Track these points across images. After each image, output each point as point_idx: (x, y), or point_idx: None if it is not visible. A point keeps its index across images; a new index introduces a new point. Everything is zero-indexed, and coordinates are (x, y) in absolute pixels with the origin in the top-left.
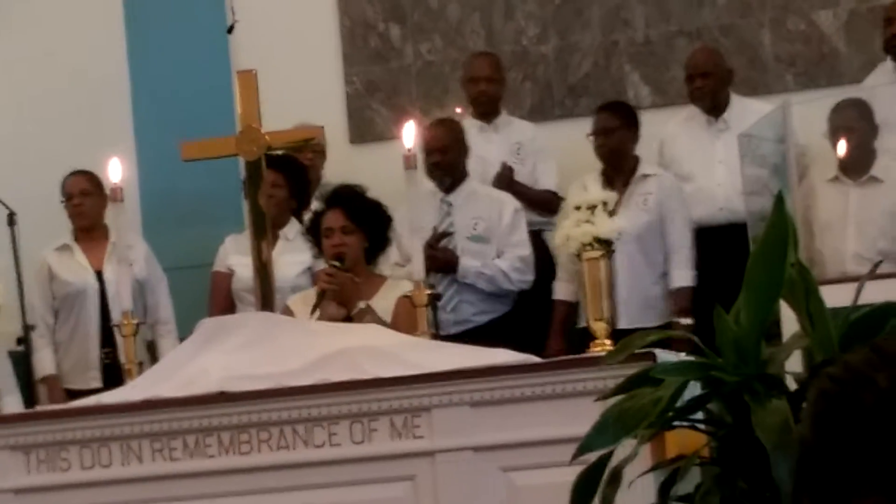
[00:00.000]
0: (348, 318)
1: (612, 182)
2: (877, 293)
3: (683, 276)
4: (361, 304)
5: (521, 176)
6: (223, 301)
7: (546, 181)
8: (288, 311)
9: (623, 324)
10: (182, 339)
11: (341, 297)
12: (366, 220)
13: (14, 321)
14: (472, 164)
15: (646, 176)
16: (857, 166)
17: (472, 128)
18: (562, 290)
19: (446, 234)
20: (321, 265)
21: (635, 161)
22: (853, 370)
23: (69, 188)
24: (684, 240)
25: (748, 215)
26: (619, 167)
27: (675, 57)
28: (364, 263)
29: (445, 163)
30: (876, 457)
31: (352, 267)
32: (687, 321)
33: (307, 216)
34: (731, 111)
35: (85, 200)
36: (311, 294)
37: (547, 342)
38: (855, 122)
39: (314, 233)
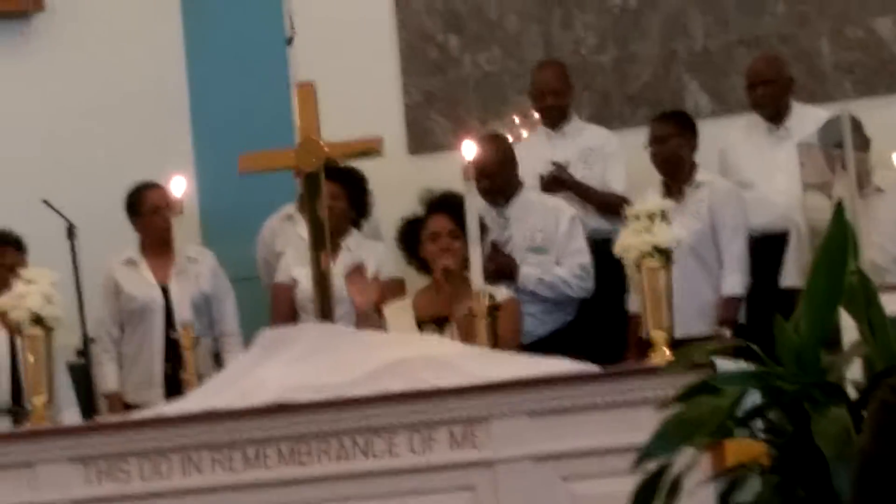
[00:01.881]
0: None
1: (671, 192)
2: None
3: (732, 284)
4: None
5: (588, 181)
6: (286, 312)
7: (614, 185)
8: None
9: (677, 332)
10: None
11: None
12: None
13: (74, 334)
14: (540, 170)
15: (700, 184)
16: (858, 180)
17: (542, 136)
18: (634, 302)
19: (498, 246)
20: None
21: (693, 169)
22: None
23: (155, 201)
24: (736, 248)
25: (806, 223)
26: (674, 175)
27: (733, 66)
28: (463, 270)
29: (494, 187)
30: None
31: (456, 274)
32: (726, 332)
33: (398, 224)
34: (792, 119)
35: (166, 213)
36: (406, 303)
37: (626, 354)
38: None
39: (409, 239)
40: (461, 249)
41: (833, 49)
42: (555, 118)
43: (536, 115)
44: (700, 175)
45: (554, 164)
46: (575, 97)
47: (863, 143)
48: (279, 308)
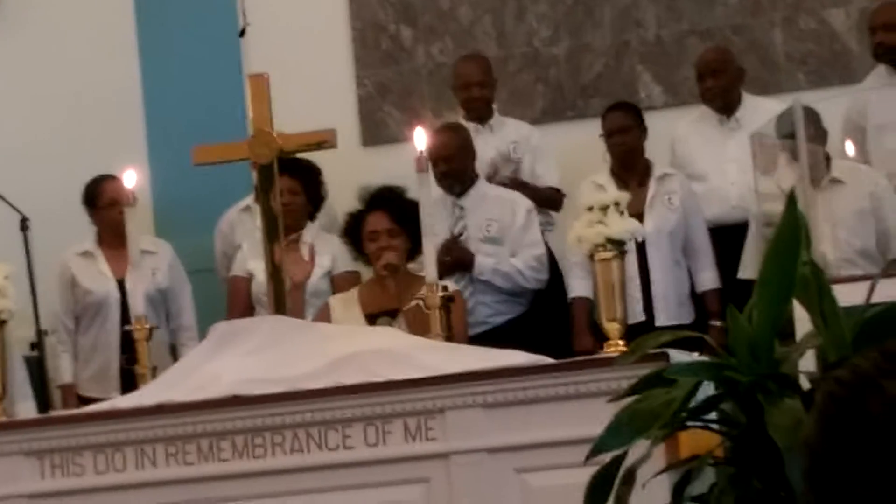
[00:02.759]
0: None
1: (625, 182)
2: (888, 292)
3: (711, 277)
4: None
5: (518, 174)
6: (242, 305)
7: (548, 178)
8: (326, 310)
9: (662, 321)
10: None
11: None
12: (408, 221)
13: (27, 326)
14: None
15: (666, 175)
16: (815, 172)
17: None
18: (579, 287)
19: (457, 237)
20: (342, 268)
21: (647, 161)
22: (861, 374)
23: (112, 193)
24: (707, 240)
25: (759, 215)
26: (633, 167)
27: (686, 57)
28: (405, 264)
29: (453, 171)
30: (879, 466)
31: (400, 269)
32: (718, 324)
33: (344, 218)
34: (743, 110)
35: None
36: (352, 296)
37: (574, 340)
38: (806, 129)
39: (354, 234)
40: (401, 244)
41: (786, 40)
42: (480, 111)
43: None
44: (661, 167)
45: (491, 166)
46: (510, 90)
47: (820, 134)
48: (235, 301)
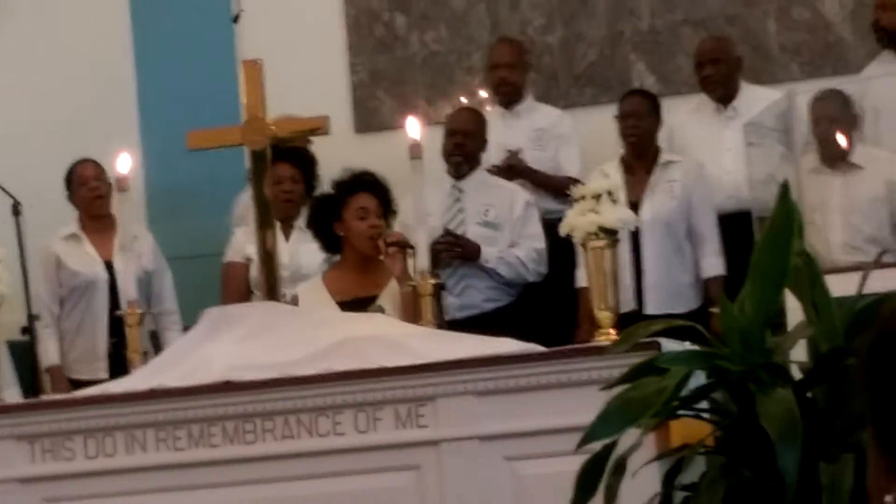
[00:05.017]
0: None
1: (633, 170)
2: (880, 282)
3: (716, 264)
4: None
5: (541, 162)
6: (239, 291)
7: (568, 167)
8: (295, 301)
9: (651, 309)
10: (186, 328)
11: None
12: (388, 207)
13: (18, 311)
14: (493, 153)
15: (669, 162)
16: (838, 156)
17: (495, 116)
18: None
19: (450, 232)
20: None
21: (657, 149)
22: None
23: (83, 172)
24: (713, 227)
25: (754, 204)
26: (644, 153)
27: (680, 46)
28: None
29: (469, 148)
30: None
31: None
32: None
33: (313, 200)
34: (741, 99)
35: (100, 185)
36: (317, 283)
37: (576, 330)
38: (837, 112)
39: (326, 218)
40: (383, 228)
41: (779, 30)
42: (508, 95)
43: (484, 95)
44: (668, 154)
45: (508, 151)
46: (529, 77)
47: (852, 120)
48: (231, 287)
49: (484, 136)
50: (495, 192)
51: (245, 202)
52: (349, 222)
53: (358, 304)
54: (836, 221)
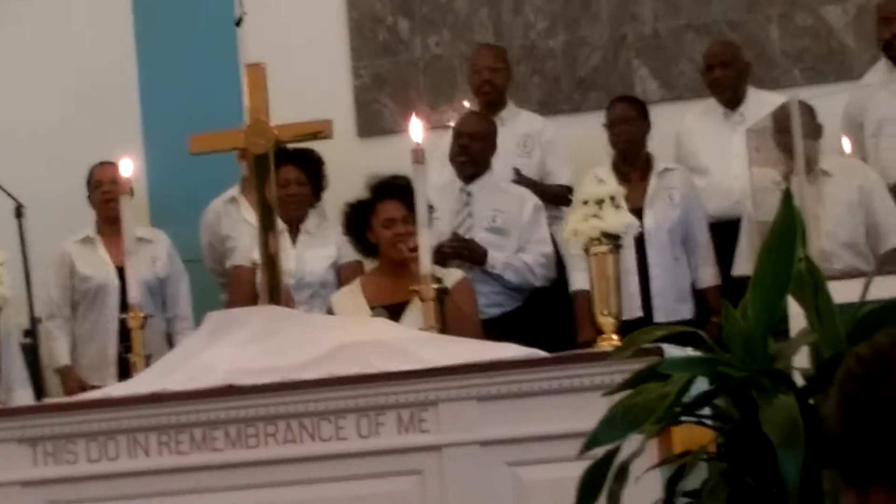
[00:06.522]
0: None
1: (626, 176)
2: (883, 290)
3: (712, 273)
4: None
5: (528, 169)
6: (246, 294)
7: (558, 175)
8: (331, 312)
9: (660, 317)
10: None
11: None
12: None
13: (21, 314)
14: None
15: (667, 170)
16: (807, 165)
17: None
18: (581, 280)
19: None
20: (346, 258)
21: (648, 155)
22: (880, 354)
23: (99, 175)
24: (707, 236)
25: (755, 210)
26: (635, 159)
27: (683, 51)
28: None
29: (474, 150)
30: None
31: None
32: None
33: (344, 209)
34: (748, 104)
35: (114, 188)
36: (356, 288)
37: (576, 333)
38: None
39: (358, 224)
40: (412, 234)
41: (782, 36)
42: (491, 98)
43: (467, 105)
44: (663, 162)
45: (515, 170)
46: (514, 83)
47: (815, 130)
48: (238, 290)
49: (493, 140)
50: (504, 197)
51: (216, 210)
52: (377, 230)
53: (391, 309)
54: (810, 228)
